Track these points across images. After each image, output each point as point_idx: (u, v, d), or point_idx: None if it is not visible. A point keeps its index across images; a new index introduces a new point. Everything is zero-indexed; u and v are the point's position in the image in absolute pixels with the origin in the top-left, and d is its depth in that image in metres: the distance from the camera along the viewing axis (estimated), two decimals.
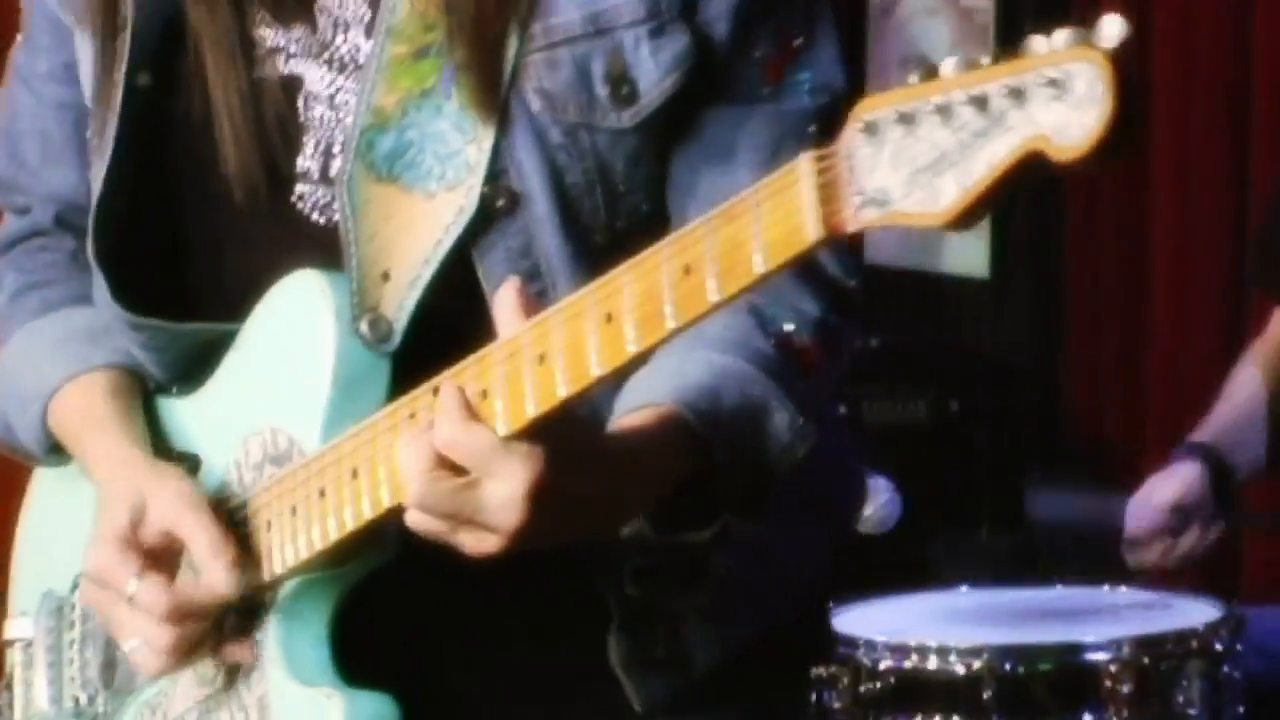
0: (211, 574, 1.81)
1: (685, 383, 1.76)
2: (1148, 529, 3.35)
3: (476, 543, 1.64)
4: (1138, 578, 3.30)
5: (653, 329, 1.55)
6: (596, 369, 1.56)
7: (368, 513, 1.66)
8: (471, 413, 1.66)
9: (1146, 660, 2.74)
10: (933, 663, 2.76)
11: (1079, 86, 1.33)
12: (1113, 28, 1.30)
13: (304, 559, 1.75)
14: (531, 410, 1.60)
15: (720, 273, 1.52)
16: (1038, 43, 1.34)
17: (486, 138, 1.82)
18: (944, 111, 1.39)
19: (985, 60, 1.36)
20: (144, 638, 1.84)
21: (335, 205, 1.84)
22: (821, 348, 1.87)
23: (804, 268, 1.81)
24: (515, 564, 1.66)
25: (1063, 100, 1.34)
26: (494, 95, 1.82)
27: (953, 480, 4.40)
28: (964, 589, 3.13)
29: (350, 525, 1.69)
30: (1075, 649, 2.75)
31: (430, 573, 1.72)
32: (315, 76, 1.90)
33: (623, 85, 1.83)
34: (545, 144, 1.85)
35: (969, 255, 4.92)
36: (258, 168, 1.87)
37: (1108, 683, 2.70)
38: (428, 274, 1.81)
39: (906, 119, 1.41)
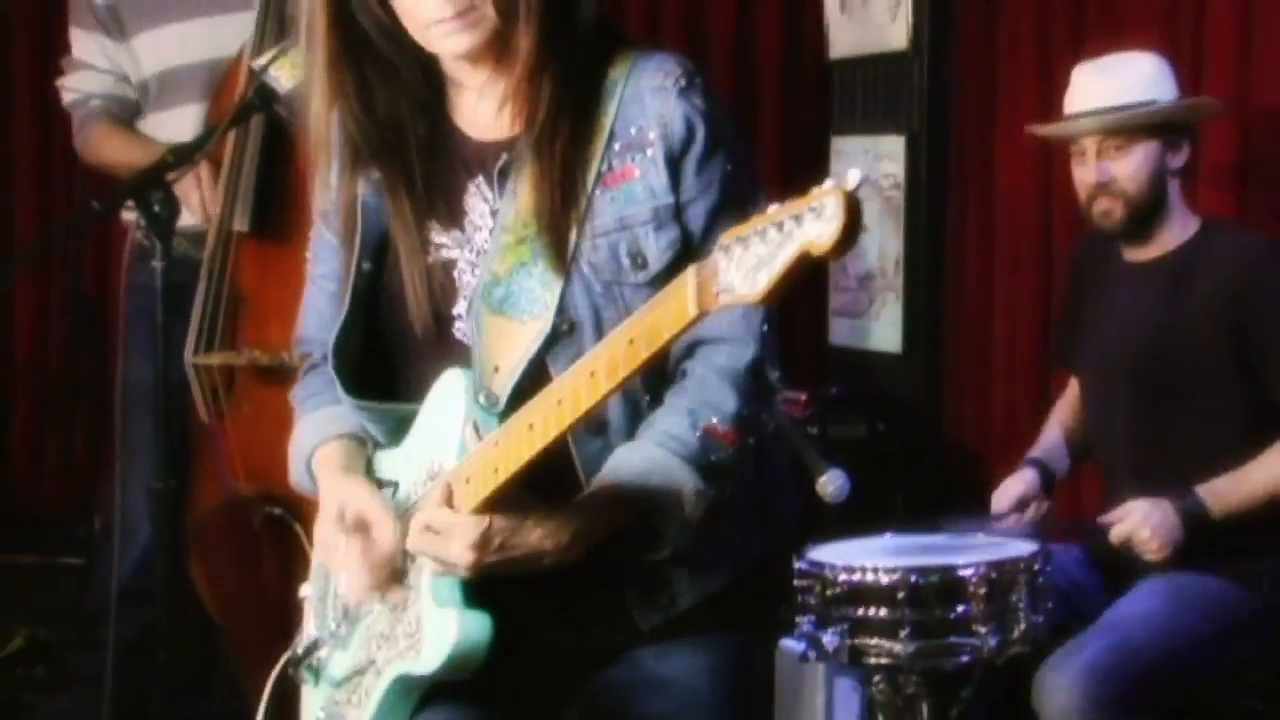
0: (383, 538, 2.25)
1: (630, 468, 2.18)
2: (1005, 508, 3.73)
3: (452, 570, 2.12)
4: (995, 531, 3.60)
5: (589, 394, 1.97)
6: (526, 457, 2.02)
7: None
8: (447, 499, 2.10)
9: (994, 575, 3.21)
10: (869, 577, 3.22)
11: (828, 210, 1.71)
12: (853, 176, 1.74)
13: None
14: (484, 492, 2.07)
15: (647, 340, 1.91)
16: (815, 189, 1.74)
17: (556, 289, 2.21)
18: (762, 234, 1.77)
19: (786, 203, 1.78)
20: (346, 577, 2.30)
21: (468, 329, 2.26)
22: (738, 431, 2.23)
23: (729, 373, 2.22)
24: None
25: (819, 219, 1.72)
26: (562, 264, 2.21)
27: (880, 472, 4.80)
28: (888, 535, 3.48)
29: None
30: (952, 568, 3.23)
31: None
32: (462, 258, 2.30)
33: (638, 258, 2.23)
34: (591, 293, 2.23)
35: (890, 337, 5.33)
36: (430, 316, 2.30)
37: (971, 588, 3.21)
38: (521, 369, 2.20)
39: (743, 241, 1.78)
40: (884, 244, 5.11)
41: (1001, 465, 3.83)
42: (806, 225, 1.75)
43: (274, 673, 2.46)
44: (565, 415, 1.98)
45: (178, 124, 4.06)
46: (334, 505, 2.28)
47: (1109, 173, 3.60)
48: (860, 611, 3.25)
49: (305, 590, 2.48)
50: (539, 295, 2.20)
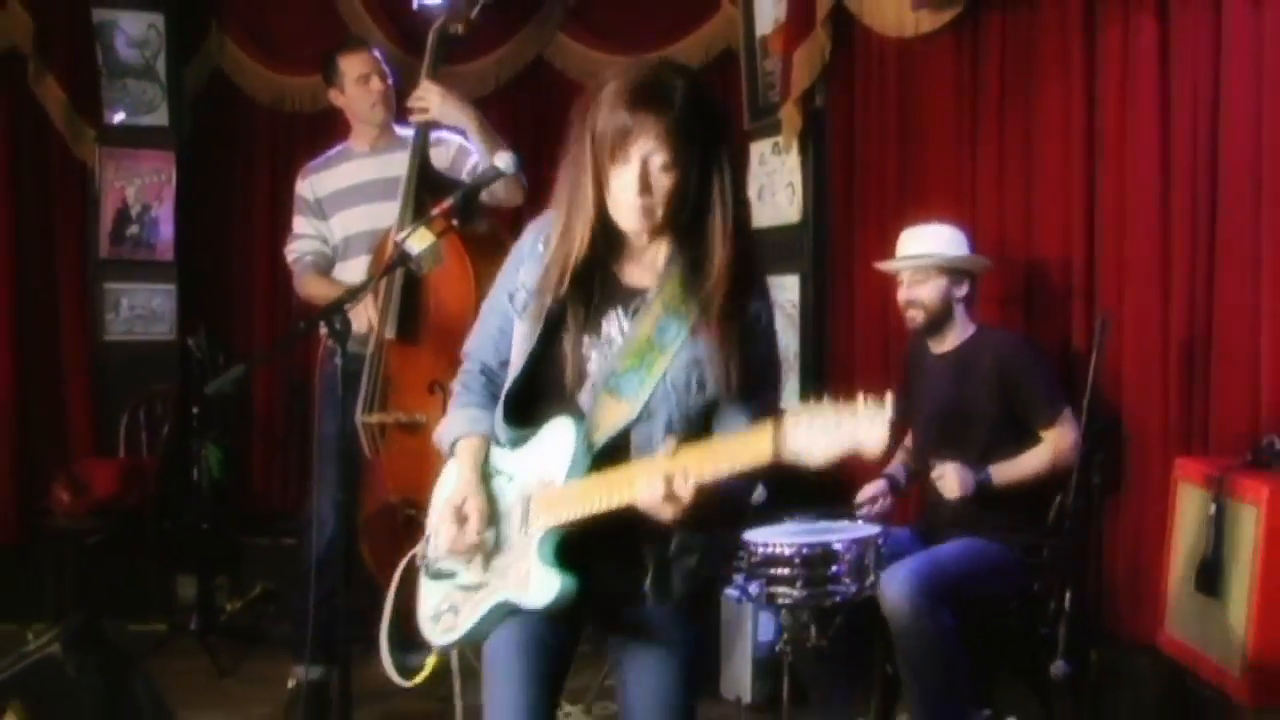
0: (471, 532, 2.11)
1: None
2: (864, 500, 3.65)
3: (667, 515, 1.91)
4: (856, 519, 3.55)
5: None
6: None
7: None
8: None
9: (855, 547, 3.22)
10: (777, 549, 3.20)
11: (879, 421, 1.68)
12: (889, 405, 1.69)
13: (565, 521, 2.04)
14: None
15: (727, 457, 1.84)
16: (866, 401, 1.71)
17: (649, 390, 2.04)
18: (824, 415, 1.72)
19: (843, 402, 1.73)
20: (445, 541, 2.14)
21: (587, 399, 2.10)
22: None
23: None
24: (616, 540, 2.02)
25: (874, 425, 1.69)
26: (653, 381, 2.05)
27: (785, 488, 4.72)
28: (789, 522, 3.43)
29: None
30: (829, 543, 3.21)
31: (590, 533, 2.03)
32: (595, 356, 2.10)
33: (702, 385, 2.05)
34: (668, 400, 2.05)
35: (791, 405, 4.64)
36: (575, 381, 2.10)
37: (840, 555, 3.20)
38: (612, 432, 2.05)
39: (809, 414, 1.74)
40: (786, 344, 4.97)
41: (862, 480, 3.74)
42: (861, 431, 1.71)
43: (402, 562, 2.29)
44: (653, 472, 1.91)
45: (354, 271, 4.03)
46: (461, 492, 2.14)
47: (914, 294, 3.61)
48: (773, 571, 3.24)
49: (431, 519, 2.24)
50: (637, 391, 2.04)
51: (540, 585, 2.04)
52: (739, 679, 4.09)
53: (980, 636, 3.29)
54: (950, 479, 3.43)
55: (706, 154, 1.98)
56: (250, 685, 4.44)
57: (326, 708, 3.83)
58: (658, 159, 1.97)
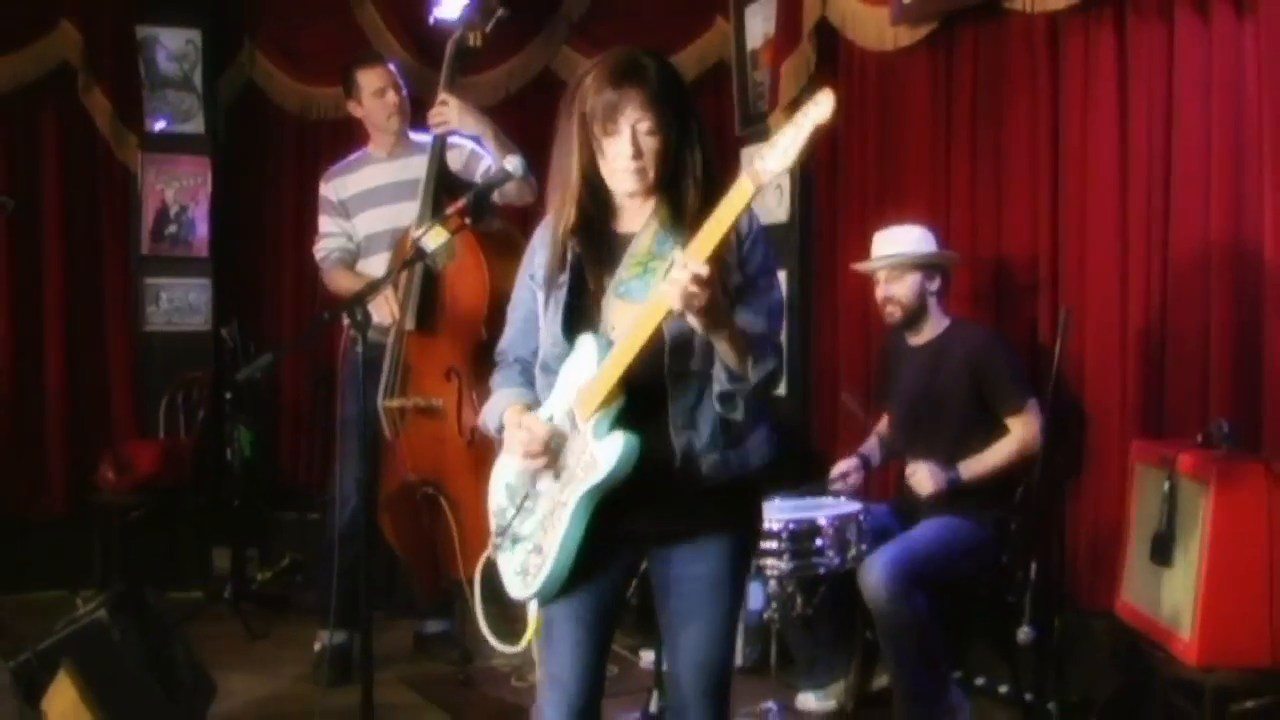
0: (535, 429, 2.11)
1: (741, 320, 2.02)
2: (836, 475, 3.64)
3: (694, 302, 1.87)
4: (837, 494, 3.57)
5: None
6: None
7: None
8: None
9: (838, 522, 3.27)
10: (768, 524, 3.16)
11: (823, 98, 1.75)
12: (828, 94, 1.75)
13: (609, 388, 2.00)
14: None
15: (721, 219, 1.84)
16: (810, 97, 1.77)
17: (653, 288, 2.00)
18: (782, 135, 1.77)
19: (793, 114, 1.78)
20: (523, 446, 2.11)
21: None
22: (774, 368, 2.06)
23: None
24: (655, 484, 2.04)
25: (819, 105, 1.75)
26: (657, 282, 1.98)
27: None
28: (778, 499, 3.41)
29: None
30: (814, 519, 3.26)
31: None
32: (618, 273, 2.11)
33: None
34: None
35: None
36: (597, 316, 2.11)
37: (824, 530, 3.26)
38: (627, 330, 2.03)
39: (771, 145, 1.79)
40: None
41: (838, 456, 3.79)
42: (813, 113, 1.77)
43: (484, 555, 2.24)
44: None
45: (376, 267, 4.02)
46: (513, 417, 2.15)
47: (890, 291, 3.57)
48: (762, 544, 3.23)
49: (491, 507, 2.24)
50: (644, 293, 2.05)
51: (606, 452, 2.04)
52: None
53: (953, 608, 3.30)
54: (922, 477, 3.39)
55: (681, 118, 2.08)
56: (280, 648, 4.45)
57: (350, 668, 3.84)
58: (643, 125, 2.06)
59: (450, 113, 3.88)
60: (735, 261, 2.06)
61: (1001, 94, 3.89)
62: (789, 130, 1.79)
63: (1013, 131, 3.84)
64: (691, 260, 1.87)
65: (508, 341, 2.29)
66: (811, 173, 4.74)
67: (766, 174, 1.81)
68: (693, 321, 1.94)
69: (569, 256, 2.12)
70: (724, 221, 1.87)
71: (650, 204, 2.14)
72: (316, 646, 4.07)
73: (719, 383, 2.04)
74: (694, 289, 1.87)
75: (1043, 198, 3.72)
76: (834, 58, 4.56)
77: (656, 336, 1.99)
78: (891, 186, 4.40)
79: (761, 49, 4.88)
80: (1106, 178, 3.47)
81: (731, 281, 2.04)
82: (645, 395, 2.05)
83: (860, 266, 3.72)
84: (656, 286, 1.94)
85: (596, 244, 2.13)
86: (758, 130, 4.90)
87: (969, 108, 4.01)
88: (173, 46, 5.63)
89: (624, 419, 2.06)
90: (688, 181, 2.08)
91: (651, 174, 2.08)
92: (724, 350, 2.01)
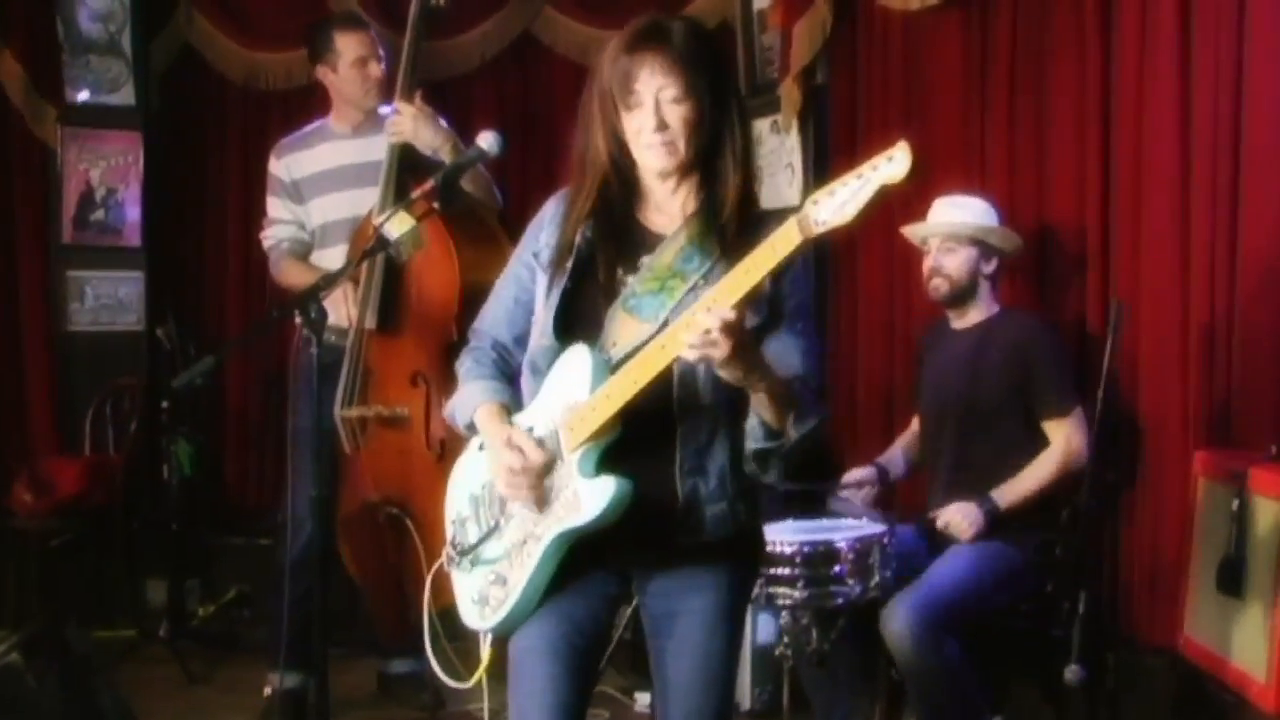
0: (533, 458, 2.08)
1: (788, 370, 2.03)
2: (850, 486, 3.67)
3: (714, 354, 1.87)
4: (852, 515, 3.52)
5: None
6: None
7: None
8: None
9: (858, 546, 3.23)
10: (778, 548, 3.19)
11: (899, 155, 1.76)
12: (905, 147, 1.76)
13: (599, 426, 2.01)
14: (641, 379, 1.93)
15: (758, 265, 1.84)
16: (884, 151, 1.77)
17: (668, 311, 2.04)
18: (844, 184, 1.77)
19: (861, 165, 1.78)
20: (508, 484, 2.10)
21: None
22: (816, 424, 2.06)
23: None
24: (651, 464, 2.03)
25: (892, 163, 1.76)
26: (673, 304, 2.05)
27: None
28: (790, 520, 3.43)
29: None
30: (831, 542, 3.23)
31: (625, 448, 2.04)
32: (630, 281, 2.11)
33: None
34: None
35: None
36: (604, 311, 2.11)
37: (843, 555, 3.22)
38: (629, 349, 2.05)
39: (829, 193, 1.79)
40: None
41: (854, 463, 3.80)
42: (883, 169, 1.77)
43: (433, 567, 2.27)
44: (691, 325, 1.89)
45: (332, 258, 4.01)
46: (498, 433, 2.13)
47: (941, 262, 3.61)
48: (772, 570, 3.23)
49: (449, 513, 2.27)
50: (656, 313, 2.07)
51: (592, 496, 2.03)
52: (736, 684, 4.07)
53: (990, 644, 3.31)
54: (957, 522, 3.42)
55: (714, 83, 2.07)
56: (223, 694, 4.44)
57: (304, 716, 3.88)
58: (668, 93, 2.05)
59: (404, 122, 3.85)
60: (765, 297, 2.05)
61: (1044, 58, 3.88)
62: (852, 182, 1.79)
63: (1057, 101, 3.83)
64: (718, 307, 1.86)
65: (487, 320, 2.28)
66: (827, 148, 4.74)
67: (819, 226, 1.81)
68: (722, 374, 1.94)
69: (579, 242, 2.13)
70: (760, 267, 1.87)
71: (681, 196, 2.14)
72: (266, 691, 4.07)
73: (753, 439, 2.04)
74: (716, 337, 1.86)
75: (1091, 176, 3.72)
76: (853, 18, 4.56)
77: (665, 373, 1.99)
78: (918, 163, 4.35)
79: (770, 9, 4.88)
80: (1166, 150, 3.46)
81: (755, 319, 2.04)
82: (647, 424, 2.04)
83: (911, 230, 3.71)
84: (673, 332, 1.94)
85: (616, 233, 2.13)
86: (766, 101, 4.89)
87: (1006, 74, 4.01)
88: (96, 5, 5.58)
89: (618, 452, 2.05)
90: (726, 162, 2.08)
91: (682, 148, 2.08)
92: (760, 403, 2.00)
